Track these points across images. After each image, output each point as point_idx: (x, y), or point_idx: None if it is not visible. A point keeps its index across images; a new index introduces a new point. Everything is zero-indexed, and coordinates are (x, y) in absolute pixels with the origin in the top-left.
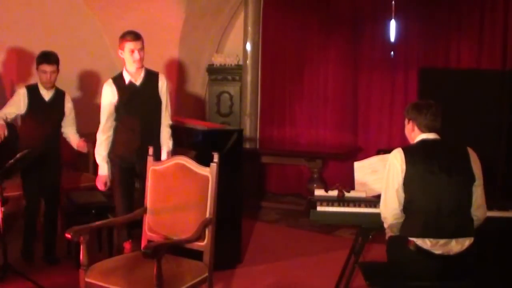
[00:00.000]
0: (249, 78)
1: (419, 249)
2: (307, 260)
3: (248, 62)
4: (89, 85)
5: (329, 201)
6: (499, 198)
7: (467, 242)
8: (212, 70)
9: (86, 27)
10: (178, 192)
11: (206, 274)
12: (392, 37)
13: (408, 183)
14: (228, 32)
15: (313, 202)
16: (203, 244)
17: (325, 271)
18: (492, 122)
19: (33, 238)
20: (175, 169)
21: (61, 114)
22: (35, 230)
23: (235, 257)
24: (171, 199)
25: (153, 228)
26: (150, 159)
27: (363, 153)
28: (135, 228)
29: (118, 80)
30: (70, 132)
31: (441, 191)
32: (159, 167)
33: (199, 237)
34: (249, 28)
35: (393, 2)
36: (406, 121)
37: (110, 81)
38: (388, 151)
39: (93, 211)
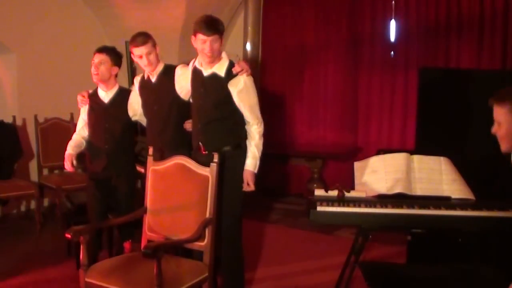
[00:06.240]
0: None
1: None
2: (307, 260)
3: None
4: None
5: (329, 201)
6: (499, 198)
7: None
8: None
9: (86, 27)
10: (178, 192)
11: (206, 274)
12: (392, 37)
13: None
14: (228, 32)
15: (313, 202)
16: (203, 244)
17: (325, 271)
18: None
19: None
20: (175, 169)
21: (125, 116)
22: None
23: None
24: (171, 199)
25: (153, 228)
26: (150, 159)
27: (363, 153)
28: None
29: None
30: None
31: None
32: (159, 167)
33: (199, 237)
34: (249, 28)
35: (393, 2)
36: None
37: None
38: (388, 151)
39: None
